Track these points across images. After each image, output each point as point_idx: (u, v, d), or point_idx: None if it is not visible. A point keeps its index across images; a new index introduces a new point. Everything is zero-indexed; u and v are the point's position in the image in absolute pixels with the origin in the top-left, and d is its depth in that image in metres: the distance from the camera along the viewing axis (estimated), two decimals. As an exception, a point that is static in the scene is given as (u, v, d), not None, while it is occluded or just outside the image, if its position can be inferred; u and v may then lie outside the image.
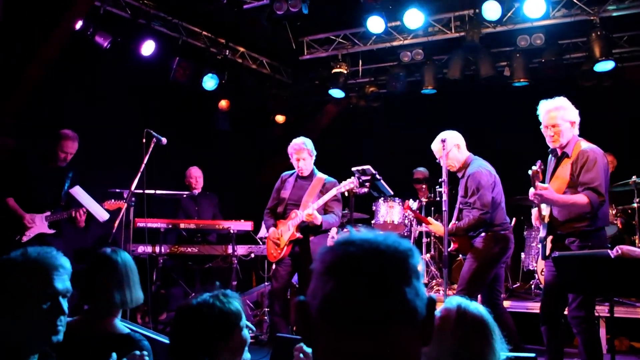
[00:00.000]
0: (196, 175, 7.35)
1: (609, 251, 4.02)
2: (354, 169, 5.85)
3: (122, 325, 2.56)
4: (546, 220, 4.39)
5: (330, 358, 1.03)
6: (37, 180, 5.78)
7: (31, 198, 5.72)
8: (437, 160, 5.14)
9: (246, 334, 2.19)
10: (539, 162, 4.27)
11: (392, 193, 6.43)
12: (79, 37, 6.68)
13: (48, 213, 5.73)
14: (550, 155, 4.55)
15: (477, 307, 2.14)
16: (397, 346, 1.02)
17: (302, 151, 5.63)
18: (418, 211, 7.25)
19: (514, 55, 7.76)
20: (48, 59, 6.49)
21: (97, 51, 6.85)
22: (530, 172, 4.19)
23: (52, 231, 5.76)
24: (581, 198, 4.10)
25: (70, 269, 2.04)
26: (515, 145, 7.49)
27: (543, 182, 4.28)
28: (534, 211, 4.56)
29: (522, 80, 7.78)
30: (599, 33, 7.15)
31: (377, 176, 5.71)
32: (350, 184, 5.50)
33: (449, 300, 2.16)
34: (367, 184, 5.72)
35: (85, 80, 7.24)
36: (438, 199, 7.63)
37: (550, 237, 4.39)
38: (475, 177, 4.90)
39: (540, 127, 4.43)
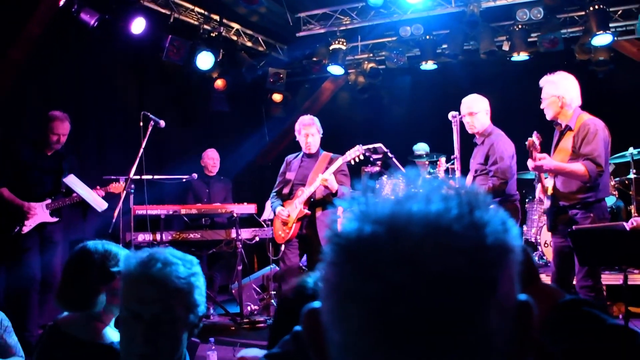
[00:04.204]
0: (213, 157, 7.22)
1: (625, 223, 4.19)
2: (364, 147, 5.76)
3: (110, 334, 2.33)
4: (550, 192, 4.54)
5: None
6: (32, 168, 5.53)
7: (29, 187, 5.48)
8: (461, 117, 5.21)
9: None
10: (535, 133, 4.45)
11: (404, 171, 6.35)
12: (63, 15, 6.35)
13: (49, 201, 5.52)
14: (555, 129, 4.68)
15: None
16: None
17: (312, 126, 5.55)
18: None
19: (513, 30, 7.71)
20: (32, 38, 6.21)
21: (84, 30, 6.54)
22: (526, 143, 4.42)
23: (54, 219, 5.54)
24: (579, 167, 4.29)
25: None
26: (515, 119, 7.49)
27: (542, 152, 4.43)
28: (538, 186, 4.72)
29: (521, 54, 7.75)
30: (596, 7, 7.14)
31: (389, 154, 5.62)
32: (356, 151, 5.41)
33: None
34: (378, 162, 5.63)
35: (72, 61, 6.93)
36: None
37: (553, 209, 4.53)
38: (500, 145, 4.99)
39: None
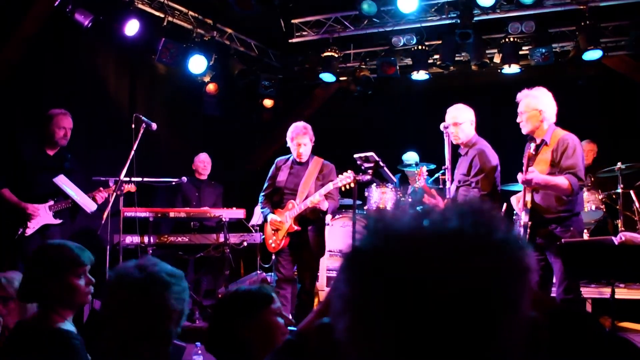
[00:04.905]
0: (204, 160, 7.19)
1: (613, 238, 4.23)
2: (356, 155, 5.75)
3: (66, 324, 2.39)
4: (529, 205, 4.55)
5: None
6: (34, 168, 5.43)
7: (31, 187, 5.38)
8: (445, 127, 5.14)
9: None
10: (533, 145, 4.49)
11: (395, 181, 6.36)
12: (57, 15, 6.33)
13: (51, 202, 5.43)
14: (527, 142, 4.69)
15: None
16: None
17: (305, 136, 5.45)
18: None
19: (505, 42, 7.76)
20: (26, 37, 6.19)
21: (78, 30, 6.51)
22: (525, 154, 4.46)
23: (58, 221, 5.46)
24: (563, 180, 4.33)
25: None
26: (504, 131, 7.53)
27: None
28: (514, 199, 4.69)
29: (512, 66, 7.81)
30: (588, 22, 7.22)
31: (381, 163, 5.62)
32: (347, 178, 5.32)
33: None
34: (369, 171, 5.63)
35: (66, 61, 6.90)
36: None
37: (529, 223, 4.54)
38: (483, 156, 4.96)
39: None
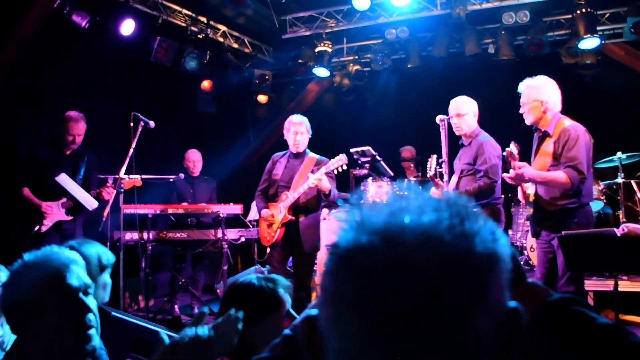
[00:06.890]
0: (194, 159, 7.15)
1: (615, 229, 4.11)
2: (352, 150, 5.72)
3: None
4: (531, 198, 4.46)
5: None
6: (50, 167, 5.60)
7: (46, 186, 5.55)
8: (449, 118, 5.17)
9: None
10: (512, 143, 4.35)
11: (392, 174, 6.35)
12: (55, 16, 6.39)
13: (64, 199, 5.56)
14: (534, 134, 4.58)
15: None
16: None
17: (301, 125, 5.47)
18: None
19: (499, 33, 7.73)
20: (24, 38, 6.20)
21: (76, 31, 6.57)
22: (504, 153, 4.34)
23: (69, 218, 5.61)
24: (560, 175, 4.18)
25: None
26: (499, 122, 7.51)
27: (522, 161, 4.33)
28: (519, 190, 4.64)
29: (506, 57, 7.77)
30: (584, 10, 7.16)
31: (377, 157, 5.60)
32: (339, 161, 5.31)
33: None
34: (366, 165, 5.60)
35: (63, 61, 6.93)
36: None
37: (537, 215, 4.45)
38: (489, 146, 4.96)
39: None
